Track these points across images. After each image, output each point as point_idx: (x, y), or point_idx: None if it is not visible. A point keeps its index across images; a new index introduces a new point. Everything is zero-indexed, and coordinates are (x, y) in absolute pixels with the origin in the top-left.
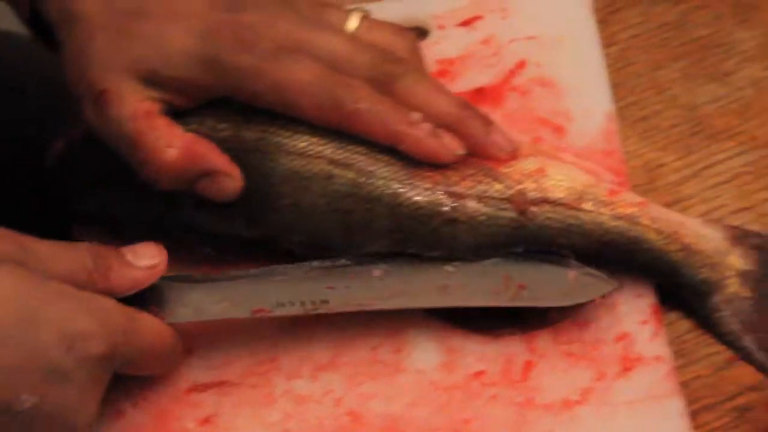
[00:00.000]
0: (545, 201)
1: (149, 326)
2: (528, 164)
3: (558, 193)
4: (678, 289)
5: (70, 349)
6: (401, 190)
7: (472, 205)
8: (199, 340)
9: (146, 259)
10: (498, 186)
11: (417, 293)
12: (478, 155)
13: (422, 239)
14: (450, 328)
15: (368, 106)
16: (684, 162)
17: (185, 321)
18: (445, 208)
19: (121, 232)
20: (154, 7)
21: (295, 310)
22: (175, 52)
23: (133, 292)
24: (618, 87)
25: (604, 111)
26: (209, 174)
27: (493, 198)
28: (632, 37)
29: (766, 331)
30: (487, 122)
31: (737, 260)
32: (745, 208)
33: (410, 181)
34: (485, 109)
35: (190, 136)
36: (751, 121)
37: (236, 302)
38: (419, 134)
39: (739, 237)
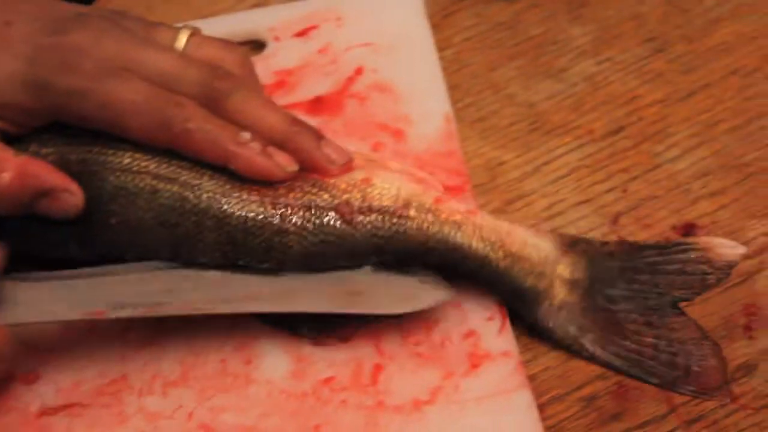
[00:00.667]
0: (370, 209)
1: None
2: (355, 175)
3: (383, 201)
4: (505, 296)
5: None
6: (228, 202)
7: (299, 215)
8: (46, 363)
9: None
10: (325, 196)
11: (254, 298)
12: (311, 170)
13: (252, 251)
14: (297, 336)
15: (197, 126)
16: (524, 159)
17: (18, 322)
18: (273, 220)
19: None
20: None
21: (133, 312)
22: (1, 77)
23: None
24: (455, 89)
25: (442, 113)
26: (47, 193)
27: (320, 207)
28: (466, 40)
29: (600, 330)
30: (318, 136)
31: (565, 269)
32: (584, 201)
33: (237, 193)
34: (325, 117)
35: (22, 158)
36: (587, 115)
37: (72, 303)
38: (249, 154)
39: (569, 245)
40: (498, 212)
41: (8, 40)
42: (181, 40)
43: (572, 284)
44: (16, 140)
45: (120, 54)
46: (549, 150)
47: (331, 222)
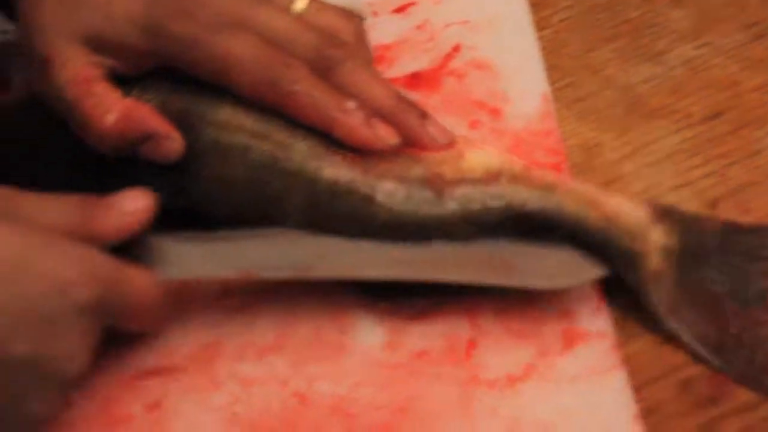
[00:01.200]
0: (462, 181)
1: (137, 277)
2: (448, 152)
3: (475, 173)
4: (606, 259)
5: (59, 298)
6: (317, 165)
7: (389, 184)
8: None
9: (131, 204)
10: (416, 168)
11: (402, 264)
12: (415, 146)
13: (338, 217)
14: (393, 308)
15: (304, 89)
16: (621, 141)
17: (172, 278)
18: (363, 187)
19: None
20: None
21: (283, 274)
22: (119, 17)
23: (121, 238)
24: (553, 69)
25: (540, 92)
26: (149, 137)
27: (411, 179)
28: (565, 20)
29: (687, 308)
30: (423, 114)
31: (660, 236)
32: (682, 185)
33: (329, 157)
34: (422, 94)
35: (128, 101)
36: (685, 99)
37: (225, 262)
38: (353, 122)
39: (662, 214)
40: None
41: None
42: (300, 4)
43: (666, 251)
44: (122, 81)
45: (237, 9)
46: (646, 133)
47: (421, 193)
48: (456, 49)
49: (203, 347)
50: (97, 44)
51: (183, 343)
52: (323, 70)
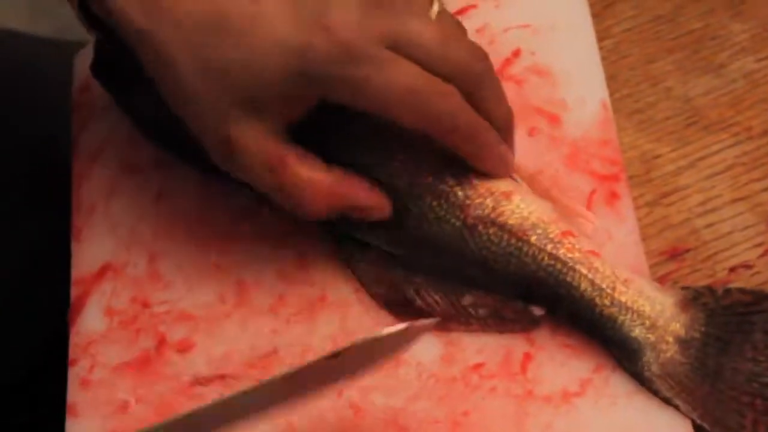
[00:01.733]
0: (493, 223)
1: None
2: (500, 184)
3: (509, 219)
4: (606, 344)
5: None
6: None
7: (427, 200)
8: (200, 332)
9: None
10: (459, 192)
11: None
12: (473, 160)
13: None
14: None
15: (464, 123)
16: (679, 153)
17: None
18: (402, 197)
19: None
20: (231, 14)
21: None
22: (269, 77)
23: None
24: (612, 80)
25: (599, 100)
26: (358, 209)
27: (449, 202)
28: (626, 31)
29: (701, 397)
30: (511, 142)
31: (681, 327)
32: (740, 199)
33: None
34: None
35: (330, 180)
36: (745, 112)
37: None
38: (496, 156)
39: (692, 299)
40: (651, 205)
41: (264, 16)
42: (436, 7)
43: (685, 343)
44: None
45: (386, 28)
46: (705, 145)
47: (451, 219)
48: (516, 53)
49: (260, 356)
50: (255, 107)
51: (239, 351)
52: (471, 89)
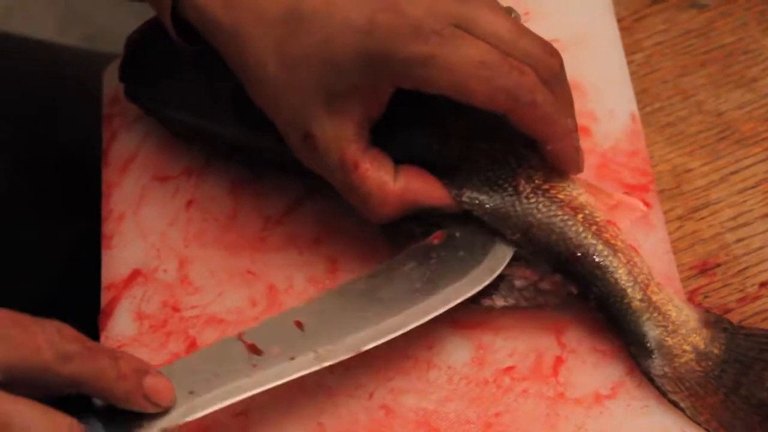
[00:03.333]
0: (544, 193)
1: None
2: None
3: (559, 194)
4: (626, 337)
5: None
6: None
7: (480, 160)
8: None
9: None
10: (512, 160)
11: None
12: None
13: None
14: (479, 324)
15: (540, 101)
16: (711, 167)
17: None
18: (456, 157)
19: (171, 128)
20: (305, 1)
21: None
22: (342, 61)
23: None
24: (643, 93)
25: (628, 112)
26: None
27: (502, 166)
28: (657, 44)
29: (711, 405)
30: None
31: (701, 341)
32: None
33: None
34: None
35: (398, 188)
36: None
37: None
38: (570, 144)
39: (714, 321)
40: (682, 219)
41: (334, 5)
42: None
43: (703, 355)
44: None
45: (459, 10)
46: (737, 160)
47: (504, 183)
48: None
49: None
50: (331, 96)
51: None
52: (535, 80)
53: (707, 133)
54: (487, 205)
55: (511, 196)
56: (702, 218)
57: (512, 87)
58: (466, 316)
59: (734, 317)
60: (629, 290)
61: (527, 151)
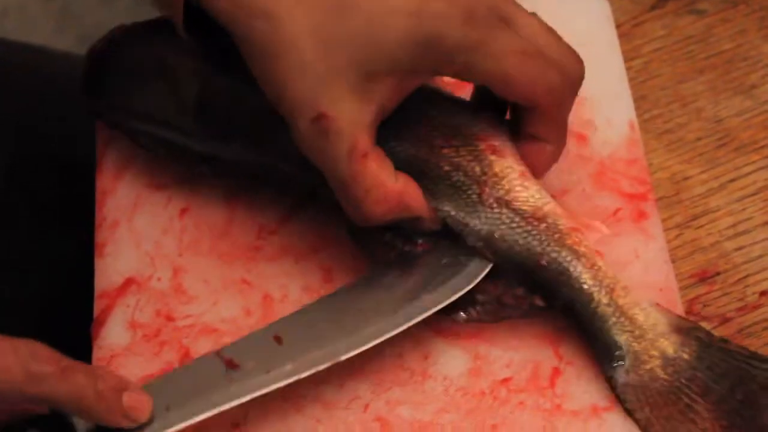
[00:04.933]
0: (506, 204)
1: None
2: (516, 169)
3: (523, 205)
4: (590, 340)
5: None
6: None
7: (443, 169)
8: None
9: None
10: (476, 168)
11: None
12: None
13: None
14: (475, 335)
15: (570, 103)
16: (710, 174)
17: None
18: (423, 163)
19: (137, 140)
20: None
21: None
22: (386, 39)
23: None
24: (642, 100)
25: (626, 120)
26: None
27: (466, 174)
28: (656, 50)
29: (666, 416)
30: None
31: (670, 346)
32: None
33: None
34: None
35: (398, 188)
36: None
37: None
38: (559, 154)
39: (686, 330)
40: (681, 227)
41: None
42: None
43: (670, 361)
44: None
45: (506, 6)
46: (736, 167)
47: (467, 191)
48: None
49: None
50: (366, 77)
51: None
52: (565, 81)
53: (706, 140)
54: (452, 212)
55: (474, 204)
56: (701, 226)
57: (550, 83)
58: (462, 327)
59: (734, 326)
60: (594, 294)
61: (494, 157)
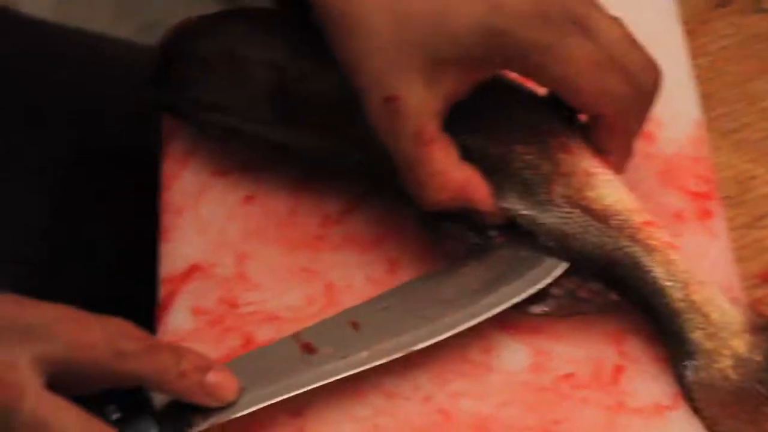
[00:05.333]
0: (576, 203)
1: None
2: (586, 163)
3: (593, 204)
4: (665, 337)
5: None
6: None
7: (517, 164)
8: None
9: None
10: (547, 166)
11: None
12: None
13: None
14: (537, 330)
15: (635, 115)
16: None
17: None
18: (495, 160)
19: (205, 131)
20: None
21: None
22: (458, 28)
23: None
24: (708, 98)
25: (692, 118)
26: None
27: (537, 170)
28: (723, 49)
29: (733, 416)
30: None
31: (744, 345)
32: None
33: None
34: None
35: (461, 178)
36: None
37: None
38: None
39: (762, 328)
40: (745, 227)
41: None
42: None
43: (742, 362)
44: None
45: (584, 11)
46: None
47: (537, 190)
48: None
49: None
50: (432, 64)
51: None
52: (636, 98)
53: None
54: (522, 211)
55: (544, 203)
56: (766, 226)
57: (618, 94)
58: (524, 322)
59: None
60: (668, 289)
61: (564, 155)
